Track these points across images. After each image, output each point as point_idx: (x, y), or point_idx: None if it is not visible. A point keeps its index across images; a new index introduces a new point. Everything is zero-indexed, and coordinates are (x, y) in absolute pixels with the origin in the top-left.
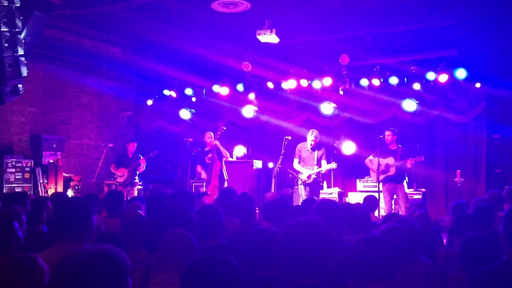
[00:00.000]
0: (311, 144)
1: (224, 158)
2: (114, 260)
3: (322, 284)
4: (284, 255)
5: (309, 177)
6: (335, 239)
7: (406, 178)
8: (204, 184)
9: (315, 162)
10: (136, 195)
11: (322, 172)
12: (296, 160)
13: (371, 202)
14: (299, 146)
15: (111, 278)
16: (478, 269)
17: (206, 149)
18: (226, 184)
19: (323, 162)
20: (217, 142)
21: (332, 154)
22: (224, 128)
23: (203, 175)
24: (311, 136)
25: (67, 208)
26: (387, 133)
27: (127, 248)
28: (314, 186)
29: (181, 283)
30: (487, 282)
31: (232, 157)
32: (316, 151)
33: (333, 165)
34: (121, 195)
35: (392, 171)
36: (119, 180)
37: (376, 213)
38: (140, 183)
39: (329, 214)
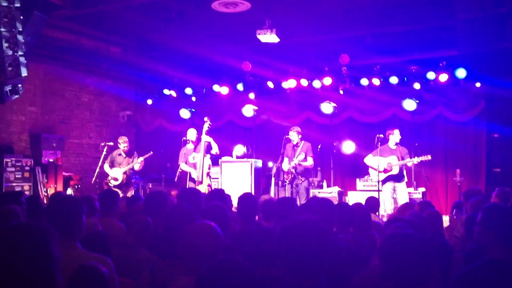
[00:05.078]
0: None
1: (209, 154)
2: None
3: (321, 284)
4: (282, 254)
5: (287, 176)
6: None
7: (406, 177)
8: (196, 184)
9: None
10: (133, 194)
11: (290, 166)
12: (286, 160)
13: (372, 203)
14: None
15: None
16: (462, 269)
17: (189, 147)
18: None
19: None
20: (206, 137)
21: (332, 153)
22: (210, 122)
23: (194, 173)
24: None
25: (60, 207)
26: (397, 131)
27: (131, 248)
28: (297, 185)
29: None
30: (471, 281)
31: (232, 156)
32: (298, 148)
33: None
34: (116, 195)
35: (395, 170)
36: (113, 182)
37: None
38: (134, 187)
39: (323, 212)
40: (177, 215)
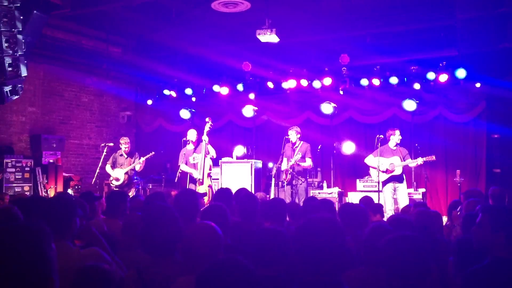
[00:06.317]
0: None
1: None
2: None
3: (340, 282)
4: (301, 253)
5: (285, 176)
6: None
7: (405, 177)
8: (197, 185)
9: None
10: (134, 195)
11: (288, 166)
12: (285, 160)
13: (367, 203)
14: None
15: None
16: (469, 268)
17: (189, 147)
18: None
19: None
20: (206, 139)
21: (332, 154)
22: (211, 123)
23: (195, 174)
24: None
25: (51, 206)
26: (398, 132)
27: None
28: (296, 186)
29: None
30: (480, 280)
31: (232, 157)
32: (296, 148)
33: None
34: (123, 196)
35: (398, 171)
36: (115, 183)
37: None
38: (135, 187)
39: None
40: (155, 214)
